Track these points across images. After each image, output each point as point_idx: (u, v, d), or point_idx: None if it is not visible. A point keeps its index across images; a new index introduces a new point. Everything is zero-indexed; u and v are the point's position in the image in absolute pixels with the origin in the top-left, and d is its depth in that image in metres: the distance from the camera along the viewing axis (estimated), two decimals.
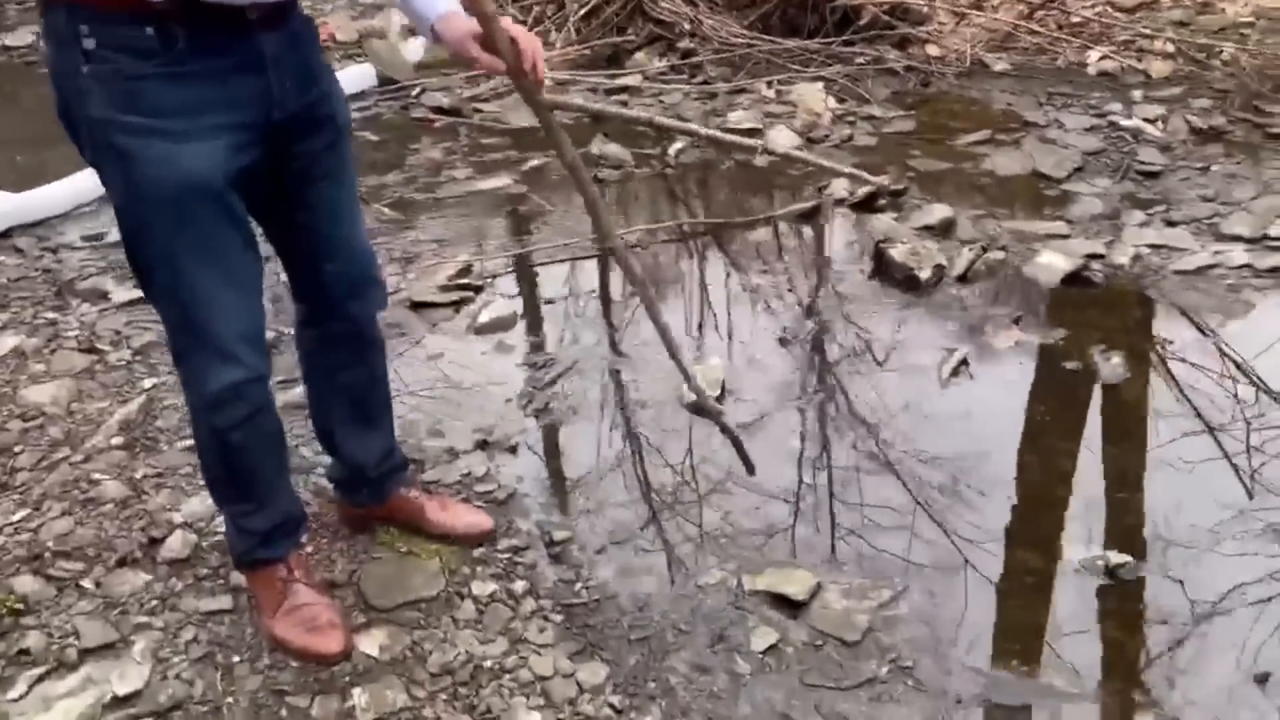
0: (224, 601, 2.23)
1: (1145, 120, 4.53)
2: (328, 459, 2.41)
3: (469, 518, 2.39)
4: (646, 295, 2.21)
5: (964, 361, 2.98)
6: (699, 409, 2.42)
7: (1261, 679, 1.98)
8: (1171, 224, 3.69)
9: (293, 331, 2.26)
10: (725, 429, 2.39)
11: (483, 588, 2.25)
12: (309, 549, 2.35)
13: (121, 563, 2.34)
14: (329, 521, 2.44)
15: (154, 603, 2.24)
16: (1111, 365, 2.93)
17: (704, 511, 2.46)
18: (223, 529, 2.23)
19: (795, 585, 2.21)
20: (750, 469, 2.43)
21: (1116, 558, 2.24)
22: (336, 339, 2.16)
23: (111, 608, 2.22)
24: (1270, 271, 3.35)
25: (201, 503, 2.49)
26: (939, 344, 3.10)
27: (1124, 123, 4.51)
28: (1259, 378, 2.85)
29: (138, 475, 2.62)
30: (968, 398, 2.86)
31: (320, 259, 2.03)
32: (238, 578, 2.25)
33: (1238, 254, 3.44)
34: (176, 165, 1.71)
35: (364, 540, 2.38)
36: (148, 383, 3.01)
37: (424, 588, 2.24)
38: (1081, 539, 2.33)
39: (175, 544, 2.37)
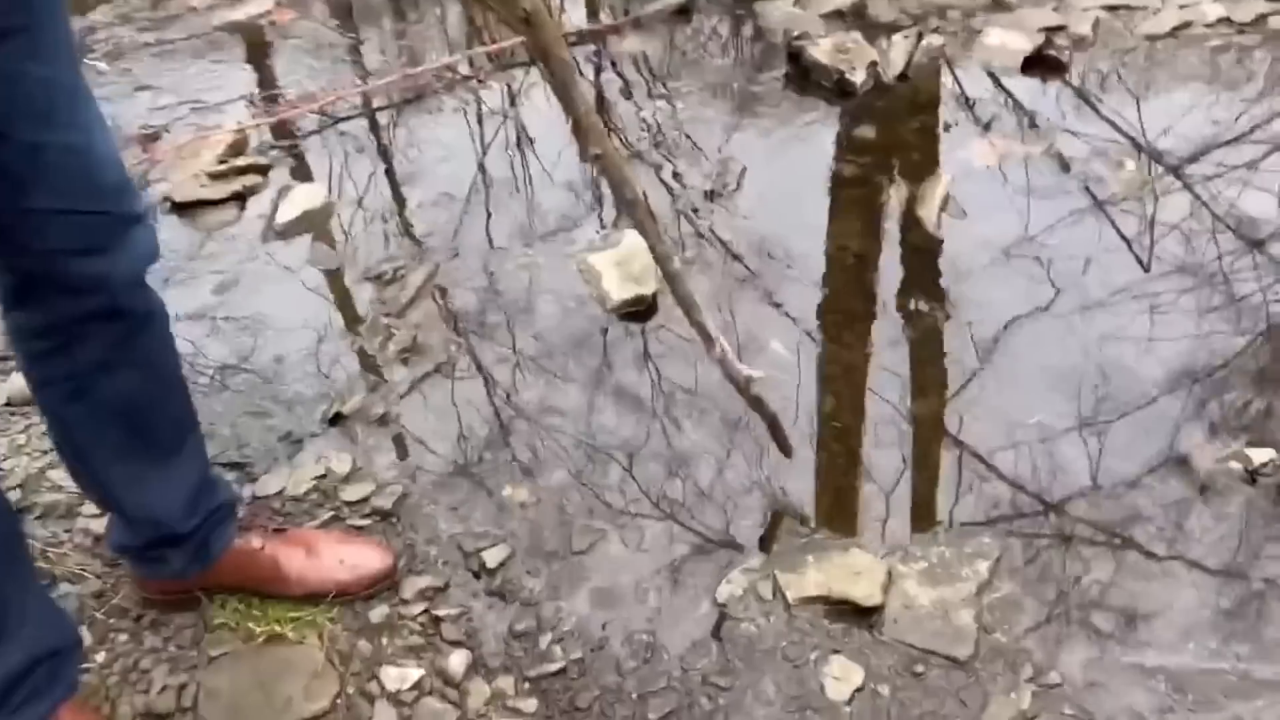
0: None
1: None
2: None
3: (351, 557, 1.55)
4: (647, 225, 1.35)
5: (948, 193, 2.28)
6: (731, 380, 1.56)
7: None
8: None
9: None
10: (756, 402, 1.61)
11: (400, 675, 1.45)
12: (99, 658, 1.47)
13: None
14: (123, 604, 1.55)
15: None
16: (1124, 175, 2.30)
17: (685, 478, 1.72)
18: None
19: (862, 584, 1.52)
20: (787, 451, 1.69)
21: (1259, 455, 1.67)
22: (77, 326, 1.24)
23: None
24: (1254, 24, 2.77)
25: None
26: (906, 172, 2.38)
27: None
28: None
29: None
30: (967, 240, 2.17)
31: (24, 188, 1.10)
32: None
33: (1208, 7, 2.84)
34: None
35: (189, 627, 1.51)
36: None
37: (307, 697, 1.42)
38: (1201, 430, 1.74)
39: None
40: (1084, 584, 1.53)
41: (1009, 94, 2.60)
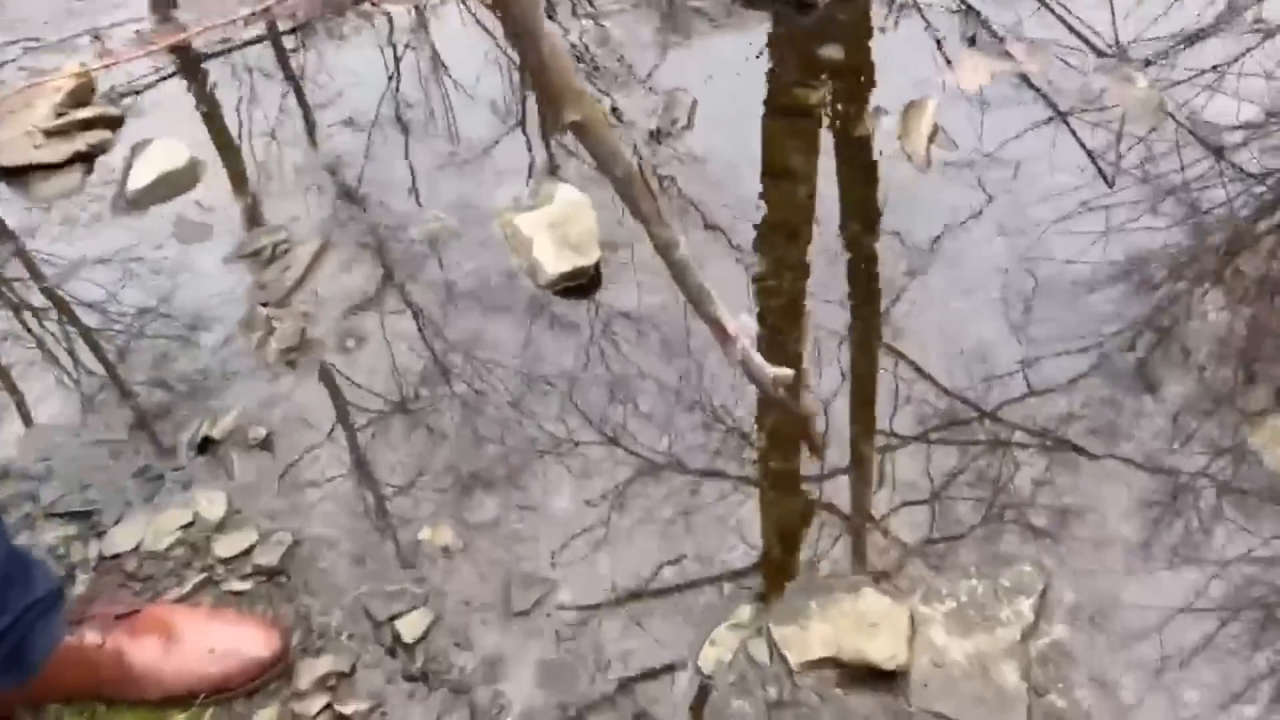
0: None
1: None
2: None
3: (225, 640, 1.20)
4: (645, 207, 0.99)
5: (936, 123, 1.94)
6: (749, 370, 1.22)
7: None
8: None
9: None
10: (785, 403, 1.28)
11: None
12: None
13: None
14: None
15: None
16: (1137, 94, 1.98)
17: (642, 497, 1.38)
18: None
19: (880, 639, 1.21)
20: (818, 454, 1.36)
21: None
22: None
23: None
24: None
25: None
26: (884, 95, 2.03)
27: None
28: None
29: None
30: (963, 175, 1.84)
31: None
32: None
33: None
34: None
35: None
36: None
37: None
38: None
39: None
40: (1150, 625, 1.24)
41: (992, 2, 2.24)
